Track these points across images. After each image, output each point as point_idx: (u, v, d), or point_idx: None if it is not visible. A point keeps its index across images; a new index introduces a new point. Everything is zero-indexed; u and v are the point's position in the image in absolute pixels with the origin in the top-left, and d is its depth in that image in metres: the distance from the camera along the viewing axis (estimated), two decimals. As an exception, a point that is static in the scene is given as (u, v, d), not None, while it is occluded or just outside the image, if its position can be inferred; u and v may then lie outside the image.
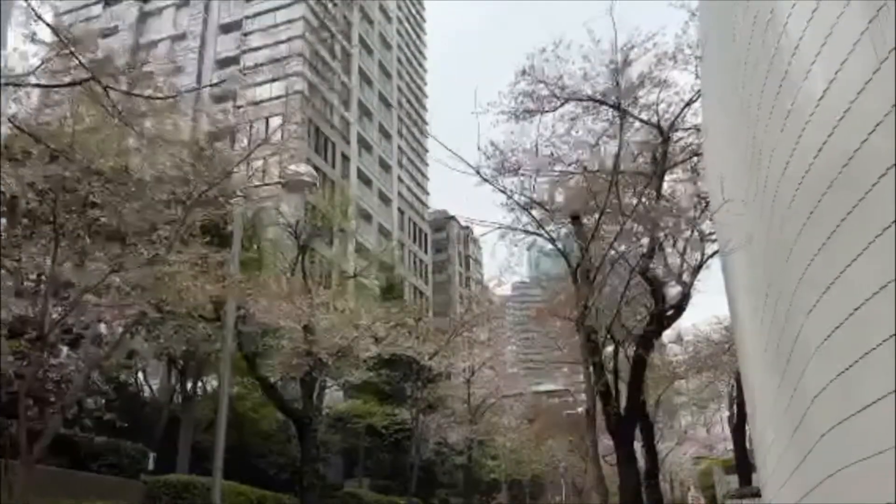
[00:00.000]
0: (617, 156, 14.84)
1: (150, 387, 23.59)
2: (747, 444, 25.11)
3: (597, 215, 15.14)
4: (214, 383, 23.13)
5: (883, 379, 4.89)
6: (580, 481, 62.81)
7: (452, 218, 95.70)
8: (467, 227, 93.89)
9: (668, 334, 24.67)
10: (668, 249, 18.57)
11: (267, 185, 16.56)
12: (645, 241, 16.27)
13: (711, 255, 18.04)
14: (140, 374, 23.09)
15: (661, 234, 16.36)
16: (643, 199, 15.37)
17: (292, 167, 15.66)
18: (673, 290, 18.78)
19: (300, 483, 17.46)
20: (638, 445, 28.87)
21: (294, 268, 24.48)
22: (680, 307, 17.89)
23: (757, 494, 15.49)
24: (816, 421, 6.68)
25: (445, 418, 31.87)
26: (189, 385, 21.08)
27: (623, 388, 16.89)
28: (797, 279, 6.57)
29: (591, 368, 15.99)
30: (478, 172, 14.73)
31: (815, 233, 5.96)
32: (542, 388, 72.32)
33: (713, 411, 37.68)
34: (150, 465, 20.09)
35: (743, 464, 23.61)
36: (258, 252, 20.63)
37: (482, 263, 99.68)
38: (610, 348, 18.18)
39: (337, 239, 52.91)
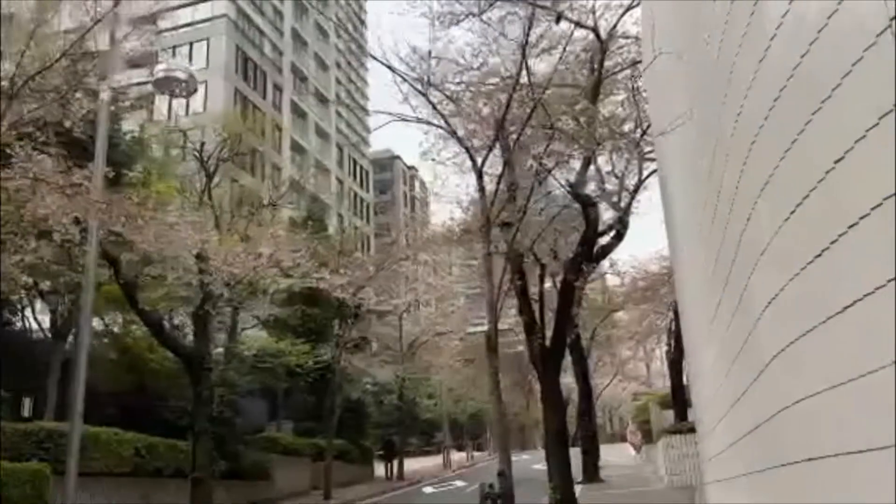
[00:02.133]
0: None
1: (37, 325, 21.17)
2: (684, 380, 24.29)
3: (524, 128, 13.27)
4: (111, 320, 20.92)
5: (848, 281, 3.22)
6: (522, 418, 63.10)
7: (397, 157, 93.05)
8: (413, 168, 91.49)
9: (605, 266, 23.34)
10: (605, 168, 16.96)
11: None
12: (577, 162, 14.60)
13: (649, 175, 16.50)
14: (21, 311, 20.65)
15: (595, 152, 14.69)
16: (576, 115, 13.60)
17: (163, 65, 13.32)
18: (608, 214, 17.27)
19: (191, 428, 15.56)
20: (571, 380, 27.97)
21: (202, 194, 22.20)
22: (619, 234, 16.39)
23: (692, 430, 14.31)
24: (764, 342, 5.12)
25: (374, 357, 30.35)
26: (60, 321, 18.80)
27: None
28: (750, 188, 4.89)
29: (518, 299, 14.45)
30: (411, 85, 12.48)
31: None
32: (482, 328, 71.16)
33: (652, 347, 37.06)
34: (26, 413, 17.99)
35: (679, 399, 22.71)
36: (146, 172, 18.17)
37: (429, 204, 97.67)
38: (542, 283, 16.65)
39: (261, 169, 50.33)
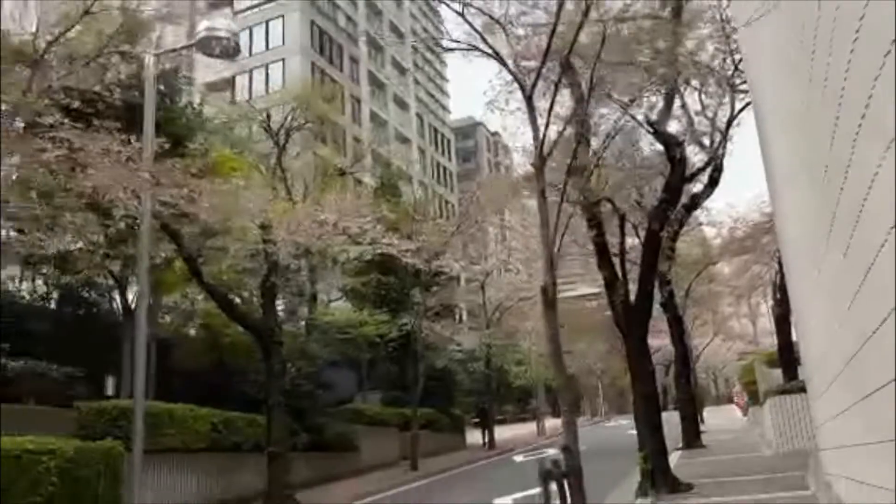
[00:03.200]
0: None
1: (119, 304, 21.47)
2: (793, 336, 22.21)
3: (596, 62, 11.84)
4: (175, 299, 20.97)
5: None
6: (620, 382, 61.29)
7: (480, 124, 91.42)
8: (496, 134, 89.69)
9: (700, 216, 21.50)
10: (693, 108, 15.21)
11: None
12: (660, 100, 13.05)
13: (742, 109, 14.66)
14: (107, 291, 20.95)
15: (678, 84, 13.09)
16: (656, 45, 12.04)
17: (206, 23, 12.66)
18: (698, 157, 15.55)
19: (265, 402, 15.22)
20: (666, 341, 26.29)
21: (275, 166, 21.87)
22: (713, 180, 14.70)
23: (802, 389, 12.71)
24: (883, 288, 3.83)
25: (459, 325, 29.61)
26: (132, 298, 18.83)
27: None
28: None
29: (597, 252, 13.17)
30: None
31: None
32: (577, 292, 70.04)
33: (757, 301, 34.59)
34: (110, 391, 18.23)
35: (787, 357, 20.74)
36: (207, 144, 17.81)
37: (516, 170, 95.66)
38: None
39: (341, 141, 50.18)
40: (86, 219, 12.97)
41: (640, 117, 13.55)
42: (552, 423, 45.85)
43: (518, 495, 13.74)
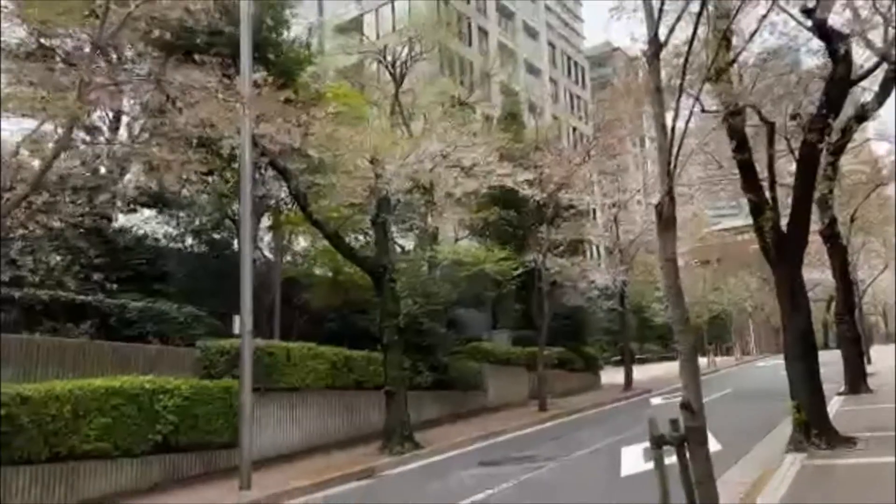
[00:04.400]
0: None
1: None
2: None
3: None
4: (303, 240, 20.97)
5: None
6: (776, 319, 57.12)
7: (617, 50, 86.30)
8: (636, 59, 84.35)
9: (868, 129, 18.60)
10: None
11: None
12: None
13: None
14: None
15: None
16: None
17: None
18: (865, 56, 12.98)
19: (380, 340, 14.82)
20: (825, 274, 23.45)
21: (394, 99, 21.23)
22: (885, 87, 12.22)
23: None
24: None
25: (590, 260, 28.09)
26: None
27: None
28: None
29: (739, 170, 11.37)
30: None
31: None
32: (724, 225, 65.62)
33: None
34: (235, 329, 18.59)
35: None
36: (314, 77, 17.29)
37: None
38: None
39: (469, 74, 48.73)
40: (188, 157, 12.77)
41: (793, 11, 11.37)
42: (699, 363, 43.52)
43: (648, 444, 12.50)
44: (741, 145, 10.64)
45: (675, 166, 5.35)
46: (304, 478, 11.65)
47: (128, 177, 18.93)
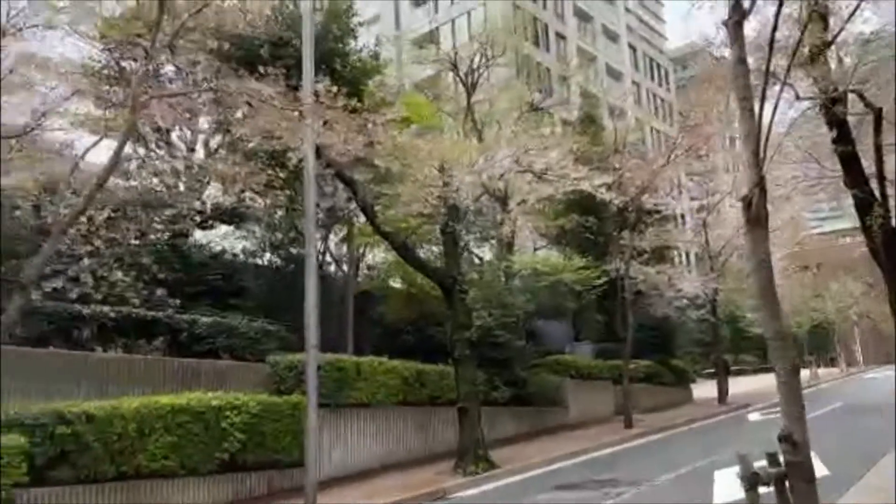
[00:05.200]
0: None
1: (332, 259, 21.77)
2: None
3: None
4: (378, 252, 20.67)
5: None
6: (886, 326, 53.16)
7: (702, 50, 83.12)
8: (723, 58, 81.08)
9: None
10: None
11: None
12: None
13: None
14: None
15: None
16: None
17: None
18: None
19: (452, 355, 14.24)
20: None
21: (466, 108, 20.78)
22: None
23: None
24: None
25: (677, 268, 26.70)
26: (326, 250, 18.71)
27: None
28: None
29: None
30: None
31: None
32: (825, 228, 61.71)
33: None
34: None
35: None
36: (380, 86, 16.98)
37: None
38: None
39: (547, 80, 47.80)
40: (255, 170, 12.66)
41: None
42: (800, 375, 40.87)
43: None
44: (843, 136, 9.52)
45: (764, 153, 4.55)
46: (372, 498, 11.20)
47: (206, 193, 19.23)
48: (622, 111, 43.81)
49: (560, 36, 55.45)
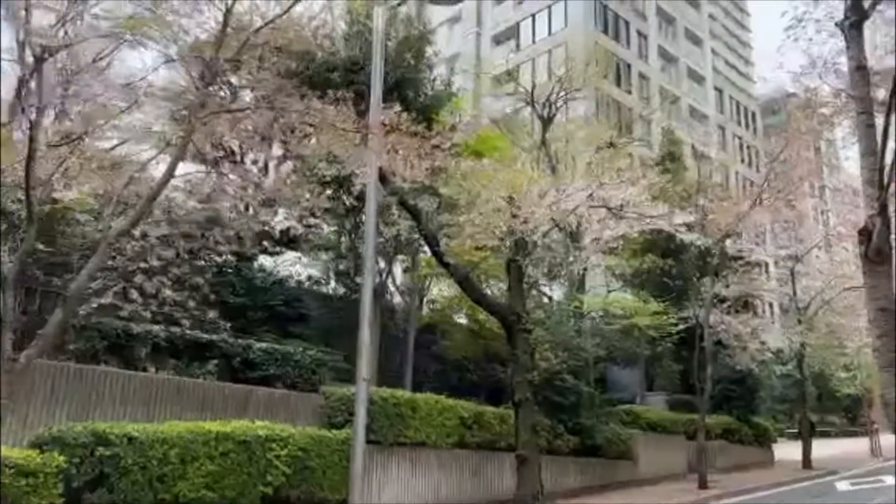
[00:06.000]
0: None
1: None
2: None
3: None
4: (443, 286, 20.06)
5: None
6: None
7: (793, 95, 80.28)
8: (810, 103, 77.90)
9: None
10: None
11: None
12: None
13: None
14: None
15: None
16: None
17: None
18: None
19: (512, 398, 13.42)
20: None
21: (542, 142, 20.31)
22: None
23: None
24: None
25: (762, 319, 25.07)
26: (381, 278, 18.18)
27: None
28: None
29: None
30: None
31: None
32: None
33: None
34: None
35: None
36: (451, 112, 16.55)
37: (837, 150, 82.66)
38: None
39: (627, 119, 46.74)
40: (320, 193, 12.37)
41: None
42: (889, 442, 37.74)
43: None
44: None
45: (890, 177, 3.75)
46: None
47: (275, 218, 19.21)
48: (705, 153, 42.26)
49: (643, 77, 54.45)
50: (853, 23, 4.10)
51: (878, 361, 4.68)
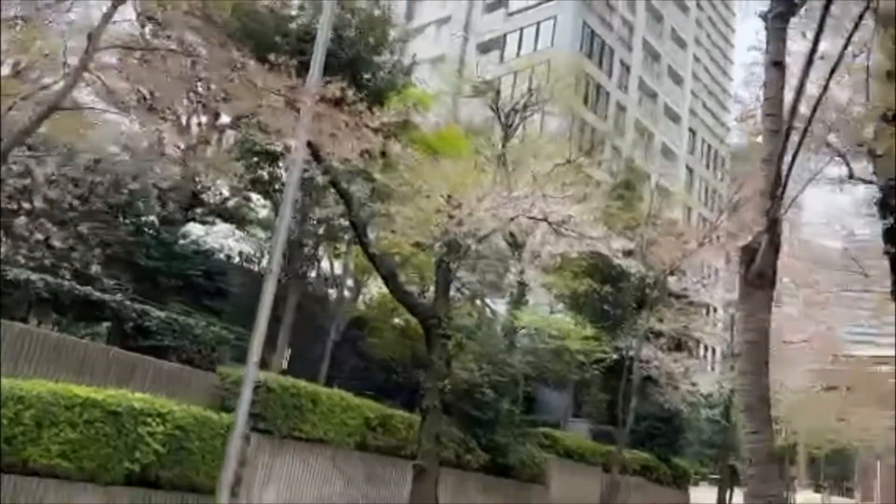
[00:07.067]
0: None
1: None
2: None
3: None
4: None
5: None
6: (911, 469, 49.61)
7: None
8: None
9: None
10: None
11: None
12: None
13: None
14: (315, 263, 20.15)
15: None
16: None
17: None
18: None
19: (419, 404, 12.80)
20: None
21: (502, 150, 19.80)
22: None
23: None
24: None
25: (695, 359, 24.90)
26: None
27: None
28: None
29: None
30: None
31: None
32: (865, 352, 58.66)
33: None
34: (284, 364, 17.11)
35: None
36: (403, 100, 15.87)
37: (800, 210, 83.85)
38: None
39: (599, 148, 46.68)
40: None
41: None
42: (807, 498, 38.14)
43: None
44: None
45: (784, 182, 3.23)
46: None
47: (211, 186, 18.35)
48: (666, 188, 42.27)
49: (621, 107, 54.54)
50: (778, 14, 3.65)
51: (741, 400, 4.20)
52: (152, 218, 15.11)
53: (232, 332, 13.11)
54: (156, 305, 12.56)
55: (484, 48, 56.19)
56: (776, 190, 3.23)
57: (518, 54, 53.55)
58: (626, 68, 56.61)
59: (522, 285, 18.94)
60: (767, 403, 3.51)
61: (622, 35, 56.62)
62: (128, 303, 11.67)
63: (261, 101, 10.28)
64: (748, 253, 3.29)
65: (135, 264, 13.99)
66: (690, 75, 65.75)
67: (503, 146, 20.02)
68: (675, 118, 62.22)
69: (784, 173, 3.32)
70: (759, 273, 3.22)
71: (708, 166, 66.74)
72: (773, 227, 3.22)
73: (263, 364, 14.94)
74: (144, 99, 11.70)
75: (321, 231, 16.15)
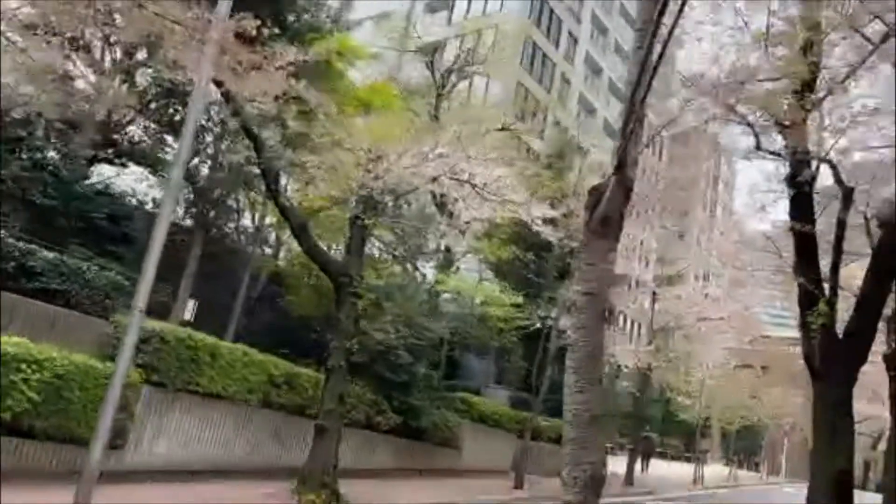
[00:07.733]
0: None
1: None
2: None
3: None
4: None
5: None
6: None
7: (704, 132, 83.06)
8: (720, 143, 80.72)
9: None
10: None
11: None
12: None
13: None
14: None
15: None
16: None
17: None
18: None
19: (325, 363, 12.41)
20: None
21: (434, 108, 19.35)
22: None
23: None
24: None
25: (617, 332, 25.20)
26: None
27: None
28: None
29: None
30: None
31: None
32: (778, 334, 60.89)
33: None
34: (188, 316, 16.48)
35: None
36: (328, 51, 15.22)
37: (733, 188, 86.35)
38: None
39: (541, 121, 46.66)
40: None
41: None
42: (716, 472, 39.57)
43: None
44: (802, 208, 8.00)
45: (643, 98, 2.93)
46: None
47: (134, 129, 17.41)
48: (603, 165, 42.58)
49: (566, 79, 54.50)
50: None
51: (572, 356, 4.01)
52: (51, 154, 14.14)
53: (130, 280, 12.39)
54: (48, 246, 11.75)
55: (431, 8, 55.12)
56: (627, 126, 2.95)
57: (466, 17, 52.77)
58: (574, 40, 56.48)
59: (448, 250, 18.65)
60: (599, 362, 3.33)
61: (570, 5, 56.31)
62: (10, 240, 10.86)
63: (157, 31, 9.51)
64: (594, 196, 3.00)
65: (30, 202, 13.08)
66: (637, 53, 66.09)
67: (435, 106, 19.57)
68: (619, 95, 62.58)
69: (639, 109, 3.05)
70: (603, 218, 2.97)
71: (648, 146, 67.56)
72: (623, 166, 2.93)
73: (163, 314, 14.31)
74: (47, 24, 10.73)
75: (235, 178, 15.40)
